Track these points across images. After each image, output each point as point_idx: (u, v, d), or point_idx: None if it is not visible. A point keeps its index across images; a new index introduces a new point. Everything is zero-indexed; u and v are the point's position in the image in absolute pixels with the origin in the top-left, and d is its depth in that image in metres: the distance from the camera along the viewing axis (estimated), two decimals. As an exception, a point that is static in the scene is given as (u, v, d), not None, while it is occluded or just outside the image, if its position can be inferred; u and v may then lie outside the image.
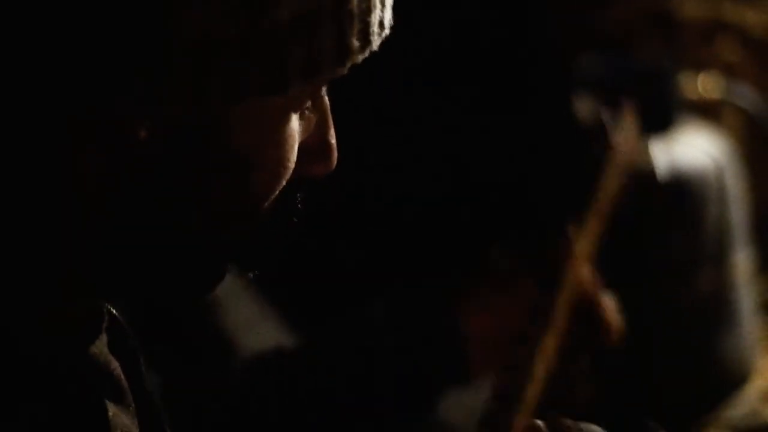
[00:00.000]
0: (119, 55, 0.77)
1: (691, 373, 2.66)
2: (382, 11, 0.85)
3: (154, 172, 0.81)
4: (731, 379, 2.71)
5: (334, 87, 0.88)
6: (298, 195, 0.89)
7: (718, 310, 2.68)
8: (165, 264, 0.86)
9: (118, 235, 0.83)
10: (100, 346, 0.89)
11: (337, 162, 0.88)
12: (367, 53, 0.85)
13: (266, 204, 0.85)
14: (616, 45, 3.09)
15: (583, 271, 1.23)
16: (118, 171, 0.80)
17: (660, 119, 2.75)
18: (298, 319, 2.33)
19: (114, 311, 0.92)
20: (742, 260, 2.73)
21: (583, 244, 1.25)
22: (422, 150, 2.93)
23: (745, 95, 3.06)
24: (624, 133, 1.35)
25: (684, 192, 2.65)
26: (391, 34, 0.87)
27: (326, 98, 0.89)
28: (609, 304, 1.25)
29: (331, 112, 0.87)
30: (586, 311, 1.24)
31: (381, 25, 0.85)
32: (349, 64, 0.84)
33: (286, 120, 0.84)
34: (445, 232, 2.80)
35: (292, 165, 0.85)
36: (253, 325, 2.17)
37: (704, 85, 3.00)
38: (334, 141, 0.89)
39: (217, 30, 0.77)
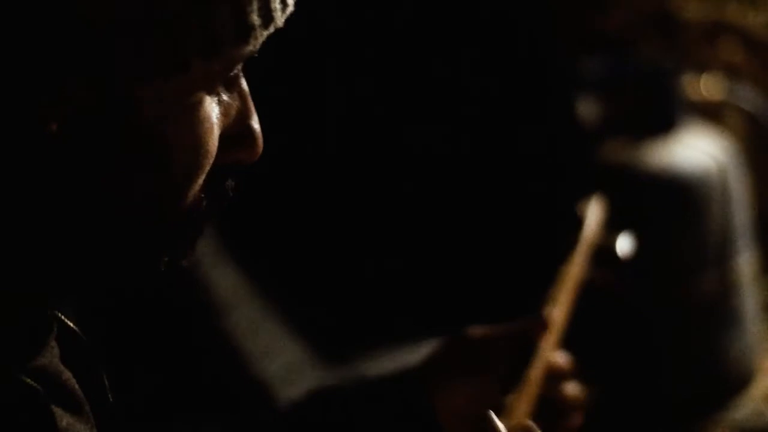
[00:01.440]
0: (17, 46, 0.77)
1: (696, 375, 2.66)
2: None
3: (70, 162, 0.80)
4: (735, 380, 2.71)
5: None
6: (228, 182, 0.89)
7: (721, 311, 2.68)
8: (96, 253, 0.85)
9: (43, 229, 0.83)
10: (50, 358, 0.88)
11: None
12: (271, 30, 0.85)
13: (191, 189, 0.85)
14: (619, 46, 3.09)
15: (552, 349, 1.23)
16: (36, 165, 0.80)
17: (662, 120, 2.75)
18: (302, 322, 2.33)
19: (69, 323, 0.91)
20: (745, 262, 2.73)
21: (554, 316, 1.25)
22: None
23: (748, 96, 3.06)
24: (592, 219, 1.37)
25: (687, 194, 2.65)
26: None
27: (245, 83, 0.88)
28: (575, 389, 1.24)
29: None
30: (551, 392, 1.23)
31: (283, 1, 0.85)
32: (253, 42, 0.84)
33: (199, 102, 0.83)
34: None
35: (212, 149, 0.85)
36: (257, 327, 2.17)
37: (707, 86, 3.00)
38: (257, 126, 0.88)
39: (115, 13, 0.77)
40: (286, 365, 2.14)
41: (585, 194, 1.41)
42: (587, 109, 2.81)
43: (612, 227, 1.38)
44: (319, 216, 2.81)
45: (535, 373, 1.19)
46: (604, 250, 1.35)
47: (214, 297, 2.08)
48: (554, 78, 3.03)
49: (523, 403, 1.17)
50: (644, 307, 2.60)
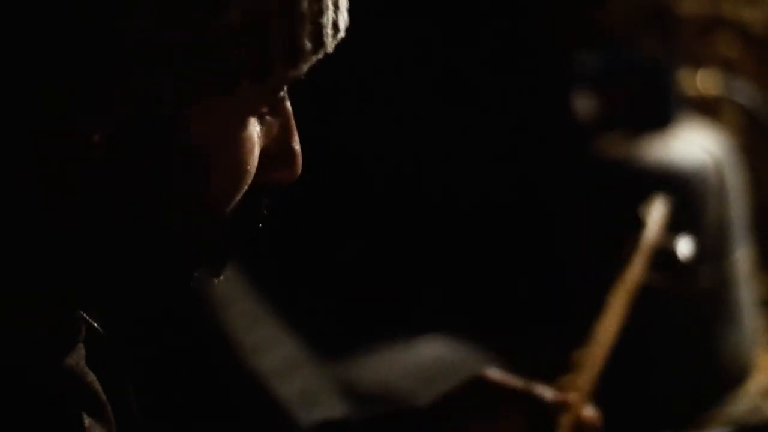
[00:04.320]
0: (67, 61, 0.77)
1: (692, 370, 2.66)
2: (336, 13, 0.85)
3: (113, 174, 0.80)
4: (732, 375, 2.71)
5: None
6: (264, 201, 0.89)
7: (718, 306, 2.68)
8: (131, 266, 0.85)
9: (82, 240, 0.83)
10: (77, 359, 0.88)
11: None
12: (321, 55, 0.84)
13: (228, 207, 0.85)
14: (616, 41, 3.09)
15: (581, 408, 1.21)
16: (76, 176, 0.80)
17: (659, 115, 2.75)
18: (299, 317, 2.33)
19: (96, 325, 0.92)
20: (742, 257, 2.73)
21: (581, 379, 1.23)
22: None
23: (744, 91, 3.06)
24: (653, 220, 1.35)
25: (683, 188, 2.65)
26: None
27: (288, 103, 0.88)
28: None
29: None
30: None
31: (335, 26, 0.85)
32: (303, 66, 0.83)
33: (244, 122, 0.83)
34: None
35: (252, 169, 0.85)
36: (254, 322, 2.17)
37: (703, 81, 3.00)
38: (298, 147, 0.88)
39: (165, 33, 0.77)
40: (283, 360, 2.14)
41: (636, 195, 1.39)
42: (584, 103, 2.81)
43: (673, 229, 1.37)
44: (318, 211, 2.81)
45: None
46: (664, 252, 1.33)
47: (212, 291, 2.08)
48: (550, 73, 3.03)
49: None
50: (640, 302, 2.60)
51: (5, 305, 0.84)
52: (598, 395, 1.26)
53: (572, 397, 1.19)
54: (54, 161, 0.80)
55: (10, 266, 0.84)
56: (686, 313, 2.66)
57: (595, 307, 1.28)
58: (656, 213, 1.36)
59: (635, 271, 1.30)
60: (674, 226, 1.38)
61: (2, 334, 0.83)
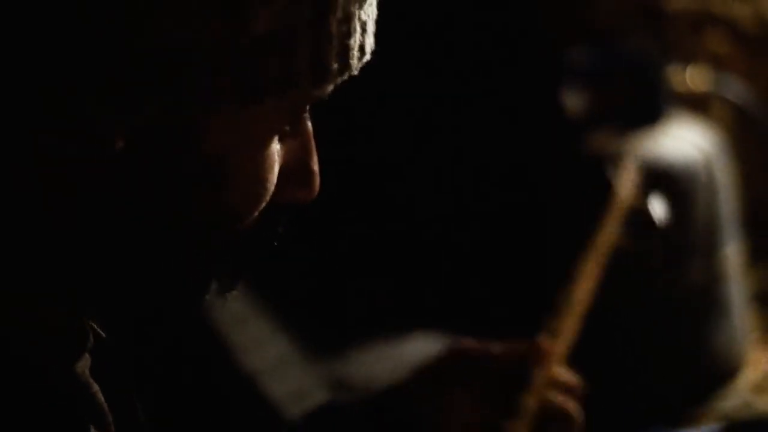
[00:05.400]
0: (94, 64, 0.76)
1: (683, 365, 2.67)
2: (363, 36, 0.85)
3: (131, 182, 0.80)
4: (723, 370, 2.71)
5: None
6: (280, 219, 0.89)
7: (709, 302, 2.68)
8: (132, 271, 0.85)
9: (82, 241, 0.83)
10: (83, 368, 0.88)
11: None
12: (346, 76, 0.85)
13: (245, 223, 0.85)
14: (606, 38, 3.09)
15: (557, 370, 1.20)
16: (95, 181, 0.80)
17: (649, 112, 2.76)
18: (290, 314, 2.33)
19: (103, 333, 0.92)
20: (732, 253, 2.74)
21: (561, 329, 1.23)
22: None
23: (734, 87, 3.06)
24: (625, 182, 1.34)
25: (673, 185, 2.65)
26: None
27: (309, 123, 0.88)
28: (575, 409, 1.22)
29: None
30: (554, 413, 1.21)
31: (361, 49, 0.85)
32: (327, 86, 0.84)
33: (265, 138, 0.83)
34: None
35: (271, 186, 0.85)
36: (246, 320, 2.18)
37: (693, 77, 3.00)
38: (316, 167, 0.89)
39: (192, 40, 0.77)
40: (273, 358, 2.15)
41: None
42: (574, 100, 2.81)
43: (645, 190, 1.36)
44: (308, 211, 2.81)
45: (532, 400, 1.17)
46: (637, 213, 1.32)
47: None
48: (541, 70, 3.04)
49: (521, 427, 1.15)
50: (631, 298, 2.61)
51: (4, 305, 0.84)
52: (588, 392, 1.26)
53: (546, 348, 1.20)
54: (54, 161, 0.79)
55: (10, 266, 0.83)
56: (677, 308, 2.66)
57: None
58: (627, 175, 1.35)
59: (608, 233, 1.29)
60: (652, 187, 1.37)
61: (12, 338, 0.83)
